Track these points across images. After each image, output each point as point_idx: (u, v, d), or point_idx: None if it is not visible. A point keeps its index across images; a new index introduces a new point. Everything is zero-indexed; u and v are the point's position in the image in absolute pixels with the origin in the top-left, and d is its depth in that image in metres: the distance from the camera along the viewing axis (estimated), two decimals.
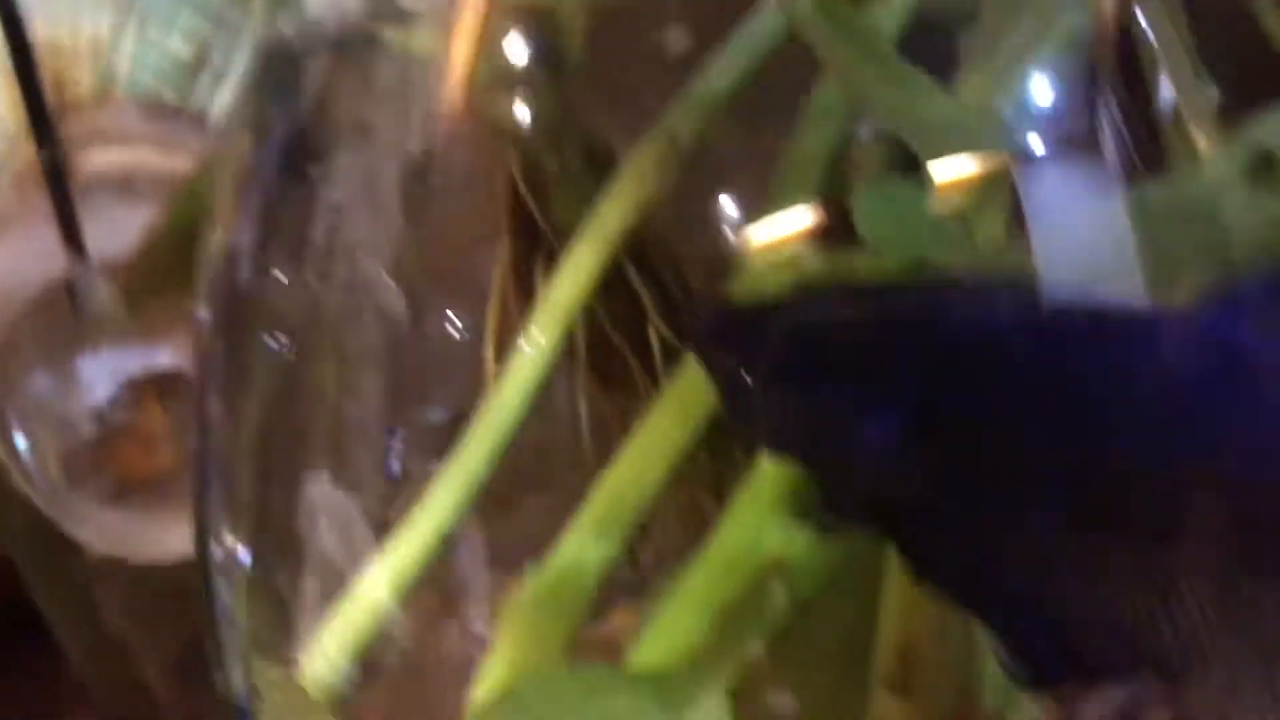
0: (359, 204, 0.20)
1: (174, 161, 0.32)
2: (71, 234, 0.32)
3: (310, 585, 0.21)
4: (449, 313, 0.20)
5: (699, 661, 0.18)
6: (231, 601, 0.21)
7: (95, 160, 0.32)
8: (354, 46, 0.21)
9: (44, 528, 0.36)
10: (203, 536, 0.22)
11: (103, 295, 0.33)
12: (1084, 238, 0.17)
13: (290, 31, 0.22)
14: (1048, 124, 0.17)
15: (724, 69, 0.20)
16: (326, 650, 0.19)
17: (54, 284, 0.33)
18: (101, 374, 0.34)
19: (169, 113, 0.33)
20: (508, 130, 0.21)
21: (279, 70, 0.22)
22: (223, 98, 0.33)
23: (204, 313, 0.22)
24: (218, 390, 0.22)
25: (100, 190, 0.32)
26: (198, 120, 0.34)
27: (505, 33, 0.20)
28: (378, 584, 0.20)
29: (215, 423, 0.22)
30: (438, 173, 0.20)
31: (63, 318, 0.34)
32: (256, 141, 0.21)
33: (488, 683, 0.19)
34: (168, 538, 0.34)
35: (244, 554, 0.21)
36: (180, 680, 0.38)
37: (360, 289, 0.20)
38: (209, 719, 0.38)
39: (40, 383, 0.35)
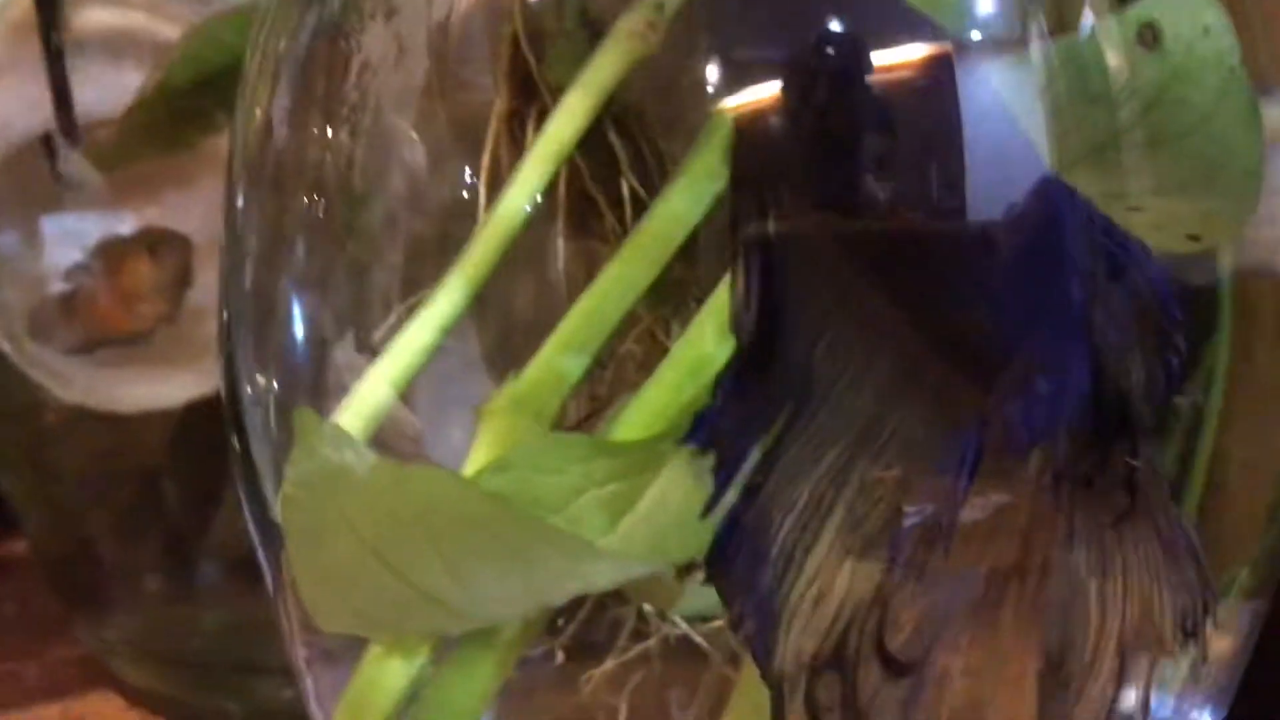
0: (388, 65, 0.24)
1: (164, 28, 0.36)
2: (60, 91, 0.36)
3: (333, 408, 0.25)
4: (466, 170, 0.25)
5: (663, 439, 0.22)
6: (263, 423, 0.26)
7: (89, 18, 0.36)
8: None
9: (3, 383, 0.40)
10: (232, 380, 0.26)
11: (79, 158, 0.37)
12: (1005, 127, 0.22)
13: None
14: (986, 22, 0.22)
15: None
16: None
17: (36, 139, 0.37)
18: (71, 234, 0.38)
19: None
20: None
21: None
22: None
23: (239, 180, 0.26)
24: (252, 255, 0.26)
25: (91, 50, 0.36)
26: None
27: None
28: (379, 382, 0.24)
29: (249, 285, 0.26)
30: (458, 34, 0.25)
31: (39, 174, 0.38)
32: (291, 33, 0.25)
33: (472, 470, 0.24)
34: (135, 390, 0.38)
35: (275, 387, 0.26)
36: (125, 540, 0.42)
37: (386, 143, 0.24)
38: (149, 575, 0.42)
39: (8, 239, 0.39)
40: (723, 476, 0.21)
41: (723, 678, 0.26)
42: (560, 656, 0.27)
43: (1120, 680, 0.22)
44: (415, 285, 0.25)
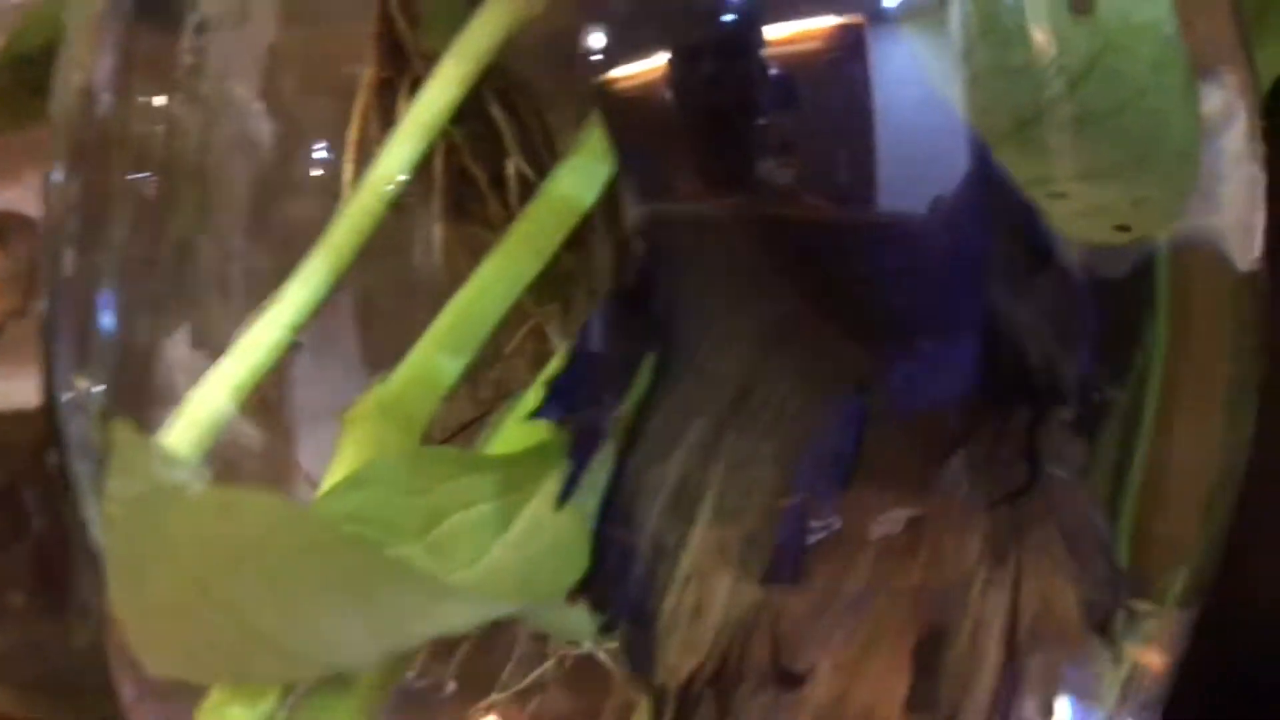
0: (229, 23, 0.22)
1: None
2: None
3: (165, 416, 0.22)
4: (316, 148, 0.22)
5: (541, 451, 0.20)
6: (84, 434, 0.23)
7: None
8: None
9: None
10: (51, 384, 0.24)
11: None
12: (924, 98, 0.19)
13: None
14: None
15: None
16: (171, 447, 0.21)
17: None
18: None
19: None
20: None
21: None
22: None
23: (58, 152, 0.23)
24: (73, 237, 0.23)
25: None
26: None
27: None
28: (219, 388, 0.22)
29: (70, 271, 0.23)
30: None
31: None
32: None
33: (329, 485, 0.21)
34: None
35: (97, 392, 0.23)
36: None
37: (227, 114, 0.22)
38: (11, 592, 0.40)
39: None
40: (580, 455, 0.20)
41: (627, 702, 0.24)
42: (451, 686, 0.24)
43: (1014, 680, 0.21)
44: (261, 274, 0.22)
